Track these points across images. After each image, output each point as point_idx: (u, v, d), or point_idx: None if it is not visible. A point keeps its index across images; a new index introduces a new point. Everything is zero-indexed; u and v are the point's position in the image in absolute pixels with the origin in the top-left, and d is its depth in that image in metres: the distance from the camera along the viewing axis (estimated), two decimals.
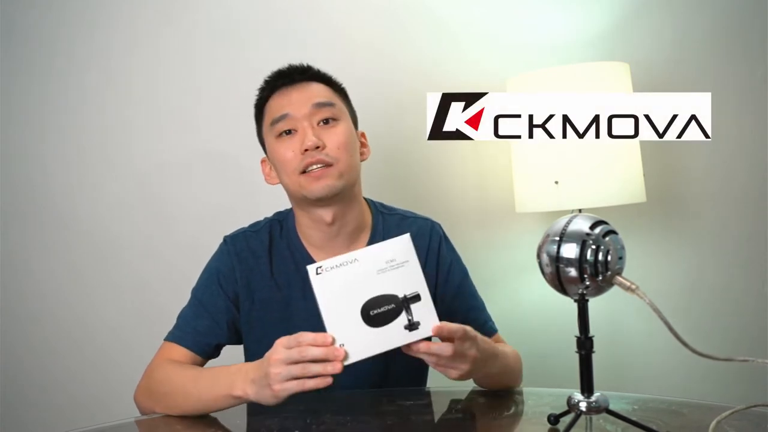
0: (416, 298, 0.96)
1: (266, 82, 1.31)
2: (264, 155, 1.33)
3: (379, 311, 0.94)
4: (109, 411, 1.30)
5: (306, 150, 1.20)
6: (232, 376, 1.05)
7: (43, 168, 1.84)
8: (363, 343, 0.94)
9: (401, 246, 0.97)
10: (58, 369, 1.83)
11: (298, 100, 1.24)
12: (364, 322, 0.94)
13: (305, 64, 1.30)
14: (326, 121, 1.24)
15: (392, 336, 0.94)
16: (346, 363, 0.94)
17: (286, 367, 0.95)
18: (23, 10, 1.83)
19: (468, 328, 0.99)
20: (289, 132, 1.24)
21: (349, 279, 0.95)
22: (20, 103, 1.83)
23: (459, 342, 0.97)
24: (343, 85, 1.32)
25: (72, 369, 1.84)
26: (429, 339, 0.97)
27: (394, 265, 0.96)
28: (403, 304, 0.95)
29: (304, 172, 1.21)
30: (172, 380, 1.15)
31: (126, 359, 1.83)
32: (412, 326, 0.95)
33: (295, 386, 0.95)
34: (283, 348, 0.96)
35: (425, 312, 0.95)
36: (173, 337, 1.23)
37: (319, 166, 1.20)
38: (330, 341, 0.93)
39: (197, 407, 1.11)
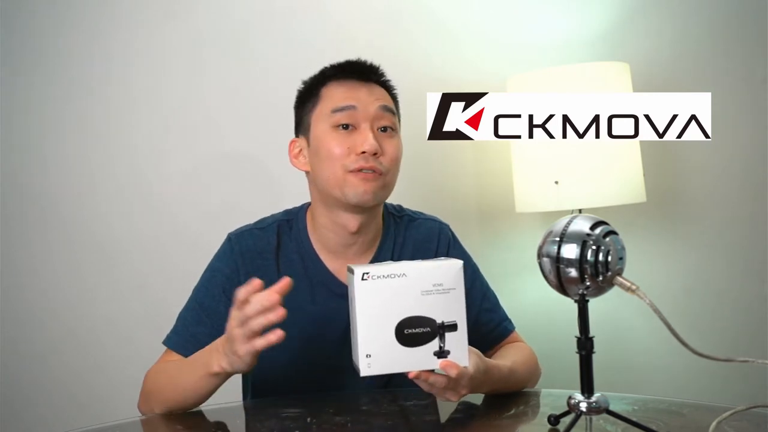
0: (453, 327, 0.95)
1: (333, 66, 1.24)
2: (294, 136, 1.27)
3: (413, 331, 0.94)
4: (110, 411, 1.30)
5: (363, 152, 1.16)
6: (207, 355, 1.06)
7: (45, 167, 1.84)
8: (390, 358, 0.94)
9: (452, 272, 0.95)
10: (59, 368, 1.83)
11: (366, 98, 1.20)
12: (396, 338, 0.93)
13: (377, 65, 1.25)
14: (384, 129, 1.20)
15: (419, 359, 0.94)
16: (368, 374, 0.94)
17: (240, 329, 0.97)
18: (24, 11, 1.83)
19: (470, 371, 0.98)
20: (346, 126, 1.18)
21: (392, 292, 0.94)
22: (22, 103, 1.83)
23: (454, 380, 0.97)
24: (396, 93, 1.28)
25: (73, 369, 1.84)
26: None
27: (440, 290, 0.95)
28: (439, 330, 0.94)
29: (352, 171, 1.17)
30: (163, 377, 1.16)
31: (128, 359, 1.83)
32: (441, 353, 0.94)
33: (249, 346, 0.97)
34: (234, 311, 0.98)
35: (458, 343, 0.95)
36: (172, 343, 1.21)
37: (370, 171, 1.16)
38: (275, 300, 0.94)
39: (187, 396, 1.11)
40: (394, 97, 1.27)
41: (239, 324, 0.97)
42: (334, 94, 1.21)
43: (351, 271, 0.95)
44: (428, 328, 0.94)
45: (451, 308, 0.95)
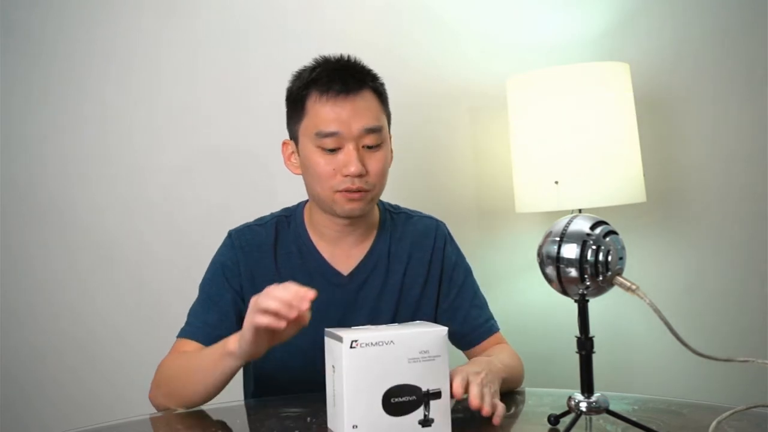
0: (438, 395, 0.93)
1: (316, 71, 1.22)
2: (286, 138, 1.28)
3: (399, 400, 0.91)
4: (109, 410, 1.31)
5: (347, 175, 1.18)
6: (229, 338, 1.06)
7: (44, 167, 1.84)
8: (375, 428, 0.91)
9: (438, 339, 0.93)
10: (58, 369, 1.83)
11: (349, 119, 1.18)
12: (383, 407, 0.91)
13: (359, 64, 1.23)
14: (370, 147, 1.20)
15: (405, 428, 0.91)
16: None
17: (257, 298, 0.96)
18: (23, 10, 1.83)
19: (477, 381, 0.98)
20: (332, 149, 1.19)
21: (380, 360, 0.90)
22: (21, 102, 1.83)
23: (478, 396, 0.97)
24: (384, 86, 1.26)
25: (73, 369, 1.84)
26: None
27: (426, 357, 0.92)
28: (424, 398, 0.92)
29: (339, 191, 1.19)
30: (178, 365, 1.17)
31: (127, 359, 1.84)
32: (426, 422, 0.92)
33: (266, 321, 0.95)
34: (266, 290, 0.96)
35: (441, 411, 0.93)
36: (184, 333, 1.23)
37: (356, 191, 1.19)
38: (312, 296, 0.93)
39: (200, 379, 1.11)
40: (383, 98, 1.25)
41: (261, 297, 0.96)
42: (319, 114, 1.19)
43: (336, 337, 0.91)
44: (414, 397, 0.91)
45: (436, 375, 0.92)
